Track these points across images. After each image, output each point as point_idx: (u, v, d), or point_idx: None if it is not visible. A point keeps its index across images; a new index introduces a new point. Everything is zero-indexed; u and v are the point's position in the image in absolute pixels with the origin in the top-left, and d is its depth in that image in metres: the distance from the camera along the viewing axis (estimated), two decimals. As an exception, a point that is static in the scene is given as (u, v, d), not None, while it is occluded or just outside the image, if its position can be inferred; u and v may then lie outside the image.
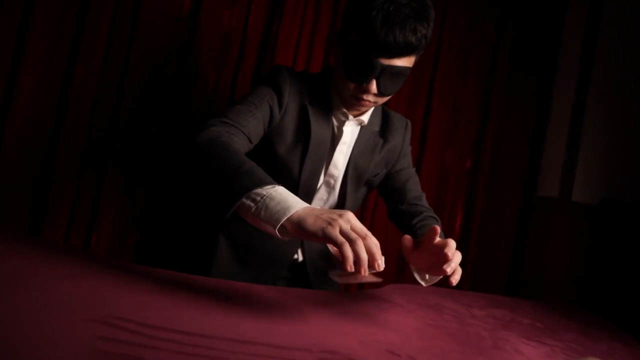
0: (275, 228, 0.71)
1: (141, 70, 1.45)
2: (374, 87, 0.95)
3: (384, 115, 1.18)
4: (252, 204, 0.73)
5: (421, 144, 1.91)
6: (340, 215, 0.70)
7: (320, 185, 1.11)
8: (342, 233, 0.68)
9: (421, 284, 0.98)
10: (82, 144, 1.40)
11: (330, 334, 0.73)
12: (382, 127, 1.16)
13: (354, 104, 1.01)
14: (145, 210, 1.49)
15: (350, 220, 0.70)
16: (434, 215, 1.16)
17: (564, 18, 2.16)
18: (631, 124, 2.07)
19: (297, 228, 0.70)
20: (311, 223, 0.69)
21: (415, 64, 0.99)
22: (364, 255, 0.67)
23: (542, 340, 0.97)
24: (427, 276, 0.96)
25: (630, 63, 2.05)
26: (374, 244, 0.69)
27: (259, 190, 0.73)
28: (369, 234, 0.70)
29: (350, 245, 0.67)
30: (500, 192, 2.08)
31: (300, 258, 1.21)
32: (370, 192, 1.25)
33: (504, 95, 2.07)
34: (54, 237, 1.38)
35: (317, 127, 1.05)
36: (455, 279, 0.86)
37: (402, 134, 1.20)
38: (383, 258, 0.71)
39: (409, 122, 1.24)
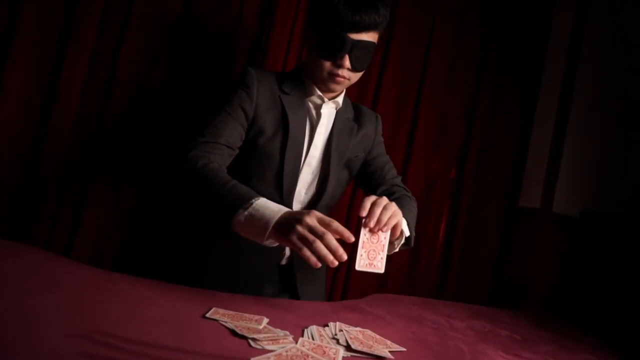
0: (263, 241, 0.85)
1: (130, 71, 1.44)
2: (347, 62, 1.07)
3: (355, 107, 1.30)
4: (241, 220, 0.86)
5: (407, 151, 1.93)
6: (299, 220, 0.81)
7: (302, 167, 1.17)
8: (300, 238, 0.80)
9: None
10: (68, 145, 1.39)
11: (311, 348, 0.74)
12: (355, 115, 1.28)
13: (330, 83, 1.12)
14: (133, 214, 1.48)
15: (308, 222, 0.80)
16: (410, 195, 1.25)
17: (548, 31, 2.20)
18: (613, 136, 2.11)
19: (277, 240, 0.85)
20: (281, 233, 0.82)
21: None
22: (324, 252, 0.79)
23: (519, 354, 0.99)
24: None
25: (614, 77, 2.09)
26: (331, 240, 0.79)
27: (241, 210, 0.86)
28: (326, 231, 0.80)
29: (309, 248, 0.79)
30: (483, 201, 2.11)
31: (284, 261, 1.22)
32: (351, 179, 1.31)
33: (490, 106, 2.10)
34: (37, 240, 1.36)
35: (294, 114, 1.14)
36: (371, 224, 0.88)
37: (374, 124, 1.31)
38: (344, 252, 0.81)
39: (379, 115, 1.36)
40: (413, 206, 1.20)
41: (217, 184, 0.93)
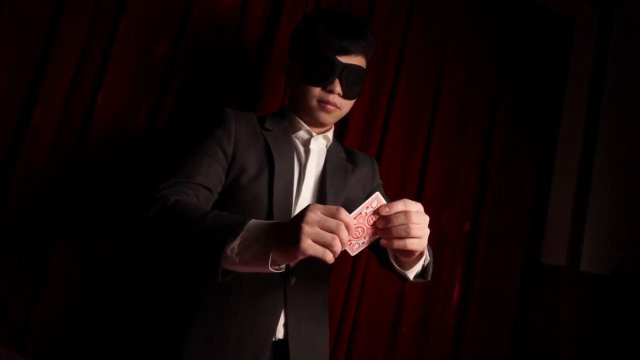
0: (268, 266, 0.72)
1: (106, 115, 1.31)
2: (338, 87, 1.00)
3: (347, 149, 1.21)
4: (234, 250, 0.73)
5: (416, 204, 1.75)
6: (303, 220, 0.69)
7: (295, 208, 1.03)
8: (316, 240, 0.69)
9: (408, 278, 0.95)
10: (36, 188, 1.23)
11: None
12: (348, 156, 1.18)
13: (320, 113, 1.03)
14: (104, 274, 1.30)
15: (314, 218, 0.69)
16: None
17: (567, 71, 2.06)
18: (641, 188, 1.93)
19: (284, 258, 0.72)
20: (288, 245, 0.69)
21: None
22: (341, 247, 0.70)
23: None
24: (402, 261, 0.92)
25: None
26: (346, 235, 0.70)
27: (231, 240, 0.73)
28: (339, 222, 0.69)
29: (330, 250, 0.69)
30: (501, 258, 1.91)
31: (281, 335, 1.00)
32: None
33: (505, 153, 1.94)
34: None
35: (279, 150, 1.03)
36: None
37: (370, 165, 1.21)
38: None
39: (374, 159, 1.26)
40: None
41: (195, 218, 0.78)
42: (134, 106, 1.34)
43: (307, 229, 0.68)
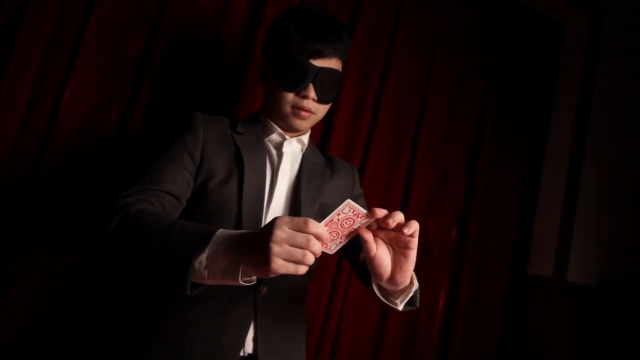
0: (238, 280, 0.69)
1: (74, 113, 1.21)
2: (312, 92, 0.96)
3: (326, 156, 1.16)
4: (202, 263, 0.70)
5: (402, 212, 1.68)
6: (269, 239, 0.66)
7: (267, 214, 0.97)
8: (288, 260, 0.66)
9: (396, 308, 0.87)
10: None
11: None
12: (327, 162, 1.12)
13: (294, 119, 0.99)
14: (69, 283, 1.21)
15: (282, 239, 0.66)
16: None
17: (556, 81, 2.03)
18: (635, 195, 1.90)
19: (255, 273, 0.70)
20: (260, 267, 0.67)
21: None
22: (313, 259, 0.68)
23: None
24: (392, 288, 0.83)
25: (628, 134, 1.91)
26: (317, 247, 0.68)
27: (199, 252, 0.69)
28: (309, 236, 0.67)
29: (302, 263, 0.67)
30: (488, 267, 1.86)
31: (251, 349, 0.93)
32: None
33: (493, 160, 1.89)
34: None
35: (249, 153, 0.98)
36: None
37: (350, 172, 1.15)
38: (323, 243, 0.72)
39: (355, 167, 1.20)
40: None
41: (160, 229, 0.74)
42: (104, 106, 1.26)
43: (276, 249, 0.65)
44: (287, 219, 0.68)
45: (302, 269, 0.68)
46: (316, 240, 0.67)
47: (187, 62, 1.34)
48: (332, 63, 0.98)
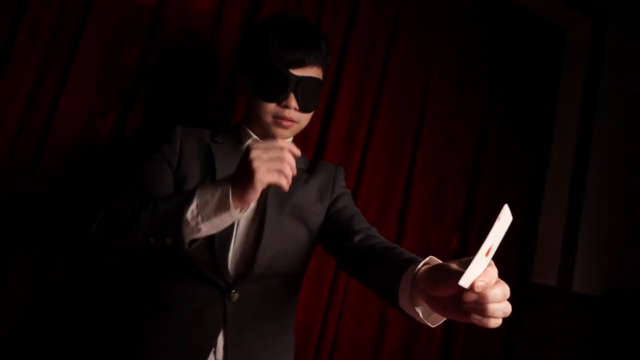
0: (230, 212, 0.76)
1: (70, 120, 1.22)
2: (293, 102, 0.96)
3: (313, 161, 1.16)
4: (194, 213, 0.76)
5: (401, 220, 1.66)
6: (253, 157, 0.73)
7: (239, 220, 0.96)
8: (270, 169, 0.73)
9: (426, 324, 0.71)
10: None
11: None
12: (309, 166, 1.12)
13: (276, 129, 0.99)
14: (61, 290, 1.21)
15: (259, 154, 0.73)
16: (397, 246, 0.88)
17: (558, 88, 2.00)
18: (635, 205, 1.86)
19: (245, 197, 0.75)
20: (247, 184, 0.74)
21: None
22: (290, 171, 0.75)
23: None
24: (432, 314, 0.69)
25: (633, 142, 1.87)
26: (291, 159, 0.76)
27: (189, 204, 0.76)
28: (282, 149, 0.74)
29: (283, 171, 0.74)
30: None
31: (221, 355, 0.92)
32: (313, 240, 1.04)
33: (495, 167, 1.87)
34: None
35: (222, 159, 1.00)
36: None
37: (332, 172, 1.13)
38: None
39: (341, 167, 1.17)
40: None
41: (143, 205, 0.80)
42: (99, 114, 1.26)
43: (257, 161, 0.73)
44: (258, 144, 0.75)
45: (284, 181, 0.74)
46: (288, 152, 0.75)
47: (182, 71, 1.34)
48: (313, 72, 0.98)
